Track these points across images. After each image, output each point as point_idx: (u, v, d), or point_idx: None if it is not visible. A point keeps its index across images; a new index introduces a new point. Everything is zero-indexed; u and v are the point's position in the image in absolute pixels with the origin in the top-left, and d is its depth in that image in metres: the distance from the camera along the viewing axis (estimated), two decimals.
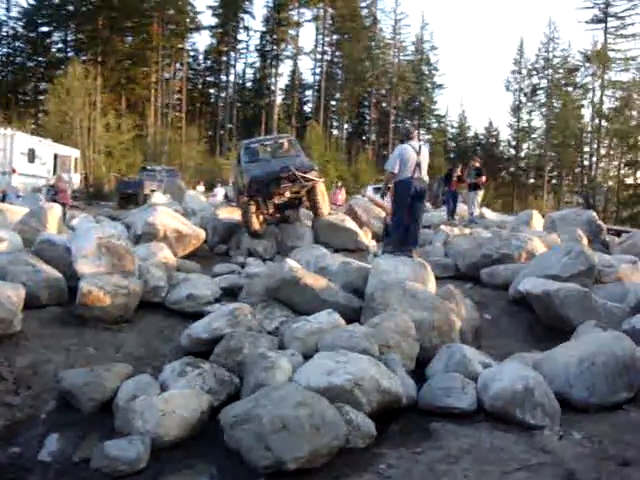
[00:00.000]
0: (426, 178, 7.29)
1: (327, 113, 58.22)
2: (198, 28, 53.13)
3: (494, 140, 57.96)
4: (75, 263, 6.62)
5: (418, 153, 7.17)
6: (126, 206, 19.50)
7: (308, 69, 62.16)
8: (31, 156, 21.79)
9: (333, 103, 59.41)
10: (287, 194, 10.11)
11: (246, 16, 53.91)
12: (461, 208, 15.03)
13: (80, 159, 28.71)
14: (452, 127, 62.24)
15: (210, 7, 52.21)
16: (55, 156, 24.31)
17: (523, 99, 55.01)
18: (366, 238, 10.93)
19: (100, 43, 46.39)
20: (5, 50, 50.22)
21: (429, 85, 60.18)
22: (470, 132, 60.51)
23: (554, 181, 53.46)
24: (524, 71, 55.07)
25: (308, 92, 61.31)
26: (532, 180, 56.22)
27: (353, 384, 4.26)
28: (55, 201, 13.62)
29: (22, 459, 3.90)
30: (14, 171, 20.10)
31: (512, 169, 55.07)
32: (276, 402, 3.80)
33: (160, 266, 7.30)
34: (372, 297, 6.10)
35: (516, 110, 54.64)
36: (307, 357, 4.93)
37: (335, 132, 60.52)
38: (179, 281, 7.26)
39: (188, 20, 50.95)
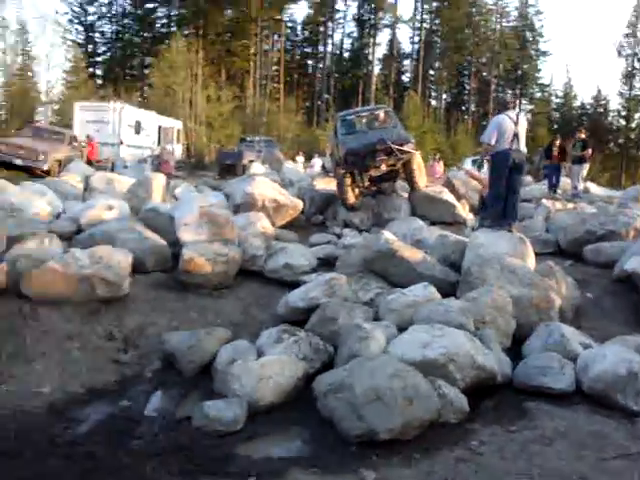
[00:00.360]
0: (524, 149, 6.95)
1: (425, 83, 56.78)
2: None
3: (602, 110, 54.18)
4: (178, 231, 6.92)
5: (516, 123, 6.84)
6: (226, 176, 20.05)
7: (407, 38, 60.75)
8: (137, 128, 22.86)
9: (432, 73, 57.81)
10: (383, 167, 9.90)
11: None
12: (564, 182, 14.23)
13: (182, 130, 29.86)
14: (557, 97, 58.81)
15: None
16: (159, 128, 25.37)
17: (637, 65, 50.97)
18: (464, 211, 10.61)
19: (201, 17, 47.57)
20: (114, 27, 52.75)
21: (533, 52, 57.05)
22: (576, 101, 56.92)
23: None
24: (639, 34, 50.94)
25: (406, 62, 60.00)
26: None
27: (447, 358, 4.20)
28: (159, 171, 14.32)
29: (131, 412, 4.18)
30: (122, 142, 21.19)
31: (621, 140, 51.43)
32: (370, 373, 3.81)
33: (258, 235, 7.46)
34: (469, 271, 5.94)
35: (628, 77, 50.77)
36: (402, 329, 4.90)
37: (433, 102, 59.02)
38: (277, 250, 7.38)
39: None
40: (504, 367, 4.67)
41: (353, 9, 56.23)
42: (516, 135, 6.85)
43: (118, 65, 50.39)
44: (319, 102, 56.48)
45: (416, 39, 55.90)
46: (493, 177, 7.01)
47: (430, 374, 4.13)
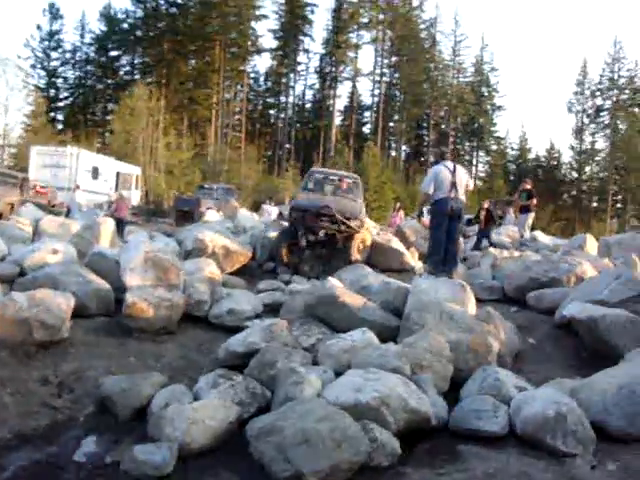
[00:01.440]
0: (463, 198, 7.28)
1: (385, 134, 58.47)
2: (259, 51, 54.68)
3: (555, 162, 56.68)
4: (123, 275, 6.90)
5: (453, 173, 7.19)
6: (183, 223, 20.06)
7: (367, 90, 62.87)
8: (94, 173, 22.84)
9: (392, 124, 59.61)
10: (321, 233, 10.08)
11: (306, 39, 55.11)
12: (512, 230, 14.73)
13: (141, 177, 29.83)
14: (512, 149, 61.33)
15: (271, 30, 53.61)
16: (117, 174, 25.38)
17: (586, 120, 53.79)
18: (413, 259, 10.90)
19: (165, 66, 48.38)
20: (77, 73, 53.09)
21: (489, 107, 59.69)
22: (531, 154, 59.41)
23: (619, 205, 51.67)
24: (587, 92, 53.92)
25: (367, 113, 61.86)
26: (595, 204, 54.53)
27: (380, 402, 4.26)
28: (113, 216, 14.26)
29: (59, 458, 4.08)
30: (78, 187, 21.09)
31: (574, 192, 53.63)
32: (300, 416, 3.85)
33: (205, 281, 7.50)
34: (409, 317, 6.08)
35: (579, 132, 53.44)
36: (339, 374, 4.95)
37: (393, 153, 60.63)
38: (222, 296, 7.43)
39: (249, 43, 52.39)
40: (440, 411, 4.75)
41: (315, 62, 58.16)
42: (453, 184, 7.19)
43: (80, 111, 50.55)
44: (280, 152, 57.51)
45: (376, 92, 57.81)
46: (432, 225, 7.30)
47: (363, 417, 4.18)
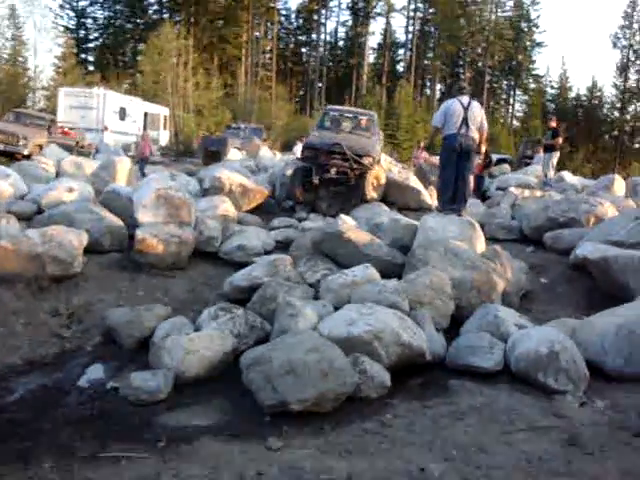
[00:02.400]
0: (474, 135, 7.04)
1: (420, 72, 56.76)
2: None
3: (597, 101, 54.31)
4: (136, 212, 7.00)
5: (466, 109, 6.94)
6: (210, 162, 20.12)
7: (401, 27, 60.60)
8: (122, 114, 22.88)
9: (426, 62, 57.78)
10: (332, 170, 9.90)
11: None
12: (537, 169, 14.35)
13: (171, 117, 29.86)
14: (552, 87, 58.90)
15: None
16: (145, 114, 25.37)
17: (632, 57, 51.02)
18: (430, 198, 10.76)
19: (193, 4, 47.38)
20: (107, 13, 52.51)
21: (528, 43, 57.06)
22: (571, 93, 57.01)
23: None
24: (635, 25, 50.94)
25: (401, 51, 59.98)
26: (638, 145, 52.48)
27: (372, 335, 4.32)
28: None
29: (64, 383, 4.29)
30: (106, 128, 21.20)
31: (615, 133, 51.57)
32: (290, 346, 3.94)
33: (217, 218, 7.57)
34: (413, 254, 6.07)
35: (623, 69, 50.90)
36: (339, 309, 5.03)
37: (428, 92, 59.05)
38: (234, 233, 7.51)
39: None
40: (437, 347, 4.80)
41: None
42: (465, 120, 6.95)
43: (109, 52, 50.18)
44: (311, 91, 56.45)
45: (410, 28, 55.84)
46: (441, 162, 7.15)
47: (355, 350, 4.27)
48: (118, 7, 51.96)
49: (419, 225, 6.78)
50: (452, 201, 6.98)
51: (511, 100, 60.63)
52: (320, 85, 56.15)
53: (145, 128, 25.05)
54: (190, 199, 7.26)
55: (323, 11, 56.41)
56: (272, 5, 51.60)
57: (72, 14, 51.41)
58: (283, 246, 7.64)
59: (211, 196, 9.01)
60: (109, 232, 6.88)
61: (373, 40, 56.79)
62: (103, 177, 8.82)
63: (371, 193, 9.93)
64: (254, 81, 50.09)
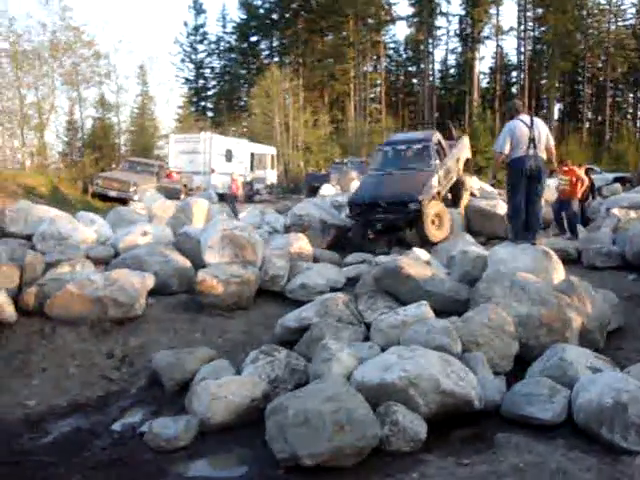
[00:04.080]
0: (543, 155, 6.47)
1: (534, 93, 54.45)
2: (394, 20, 53.34)
3: None
4: (203, 253, 7.12)
5: (530, 127, 6.40)
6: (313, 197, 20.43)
7: (513, 49, 58.58)
8: (228, 156, 23.92)
9: (542, 82, 55.42)
10: (378, 225, 9.52)
11: (442, 2, 52.75)
12: None
13: (280, 156, 30.85)
14: None
15: None
16: (252, 155, 26.36)
17: None
18: None
19: (300, 45, 49.13)
20: (222, 62, 55.89)
21: None
22: None
23: None
24: None
25: (514, 73, 58.09)
26: None
27: (407, 382, 3.95)
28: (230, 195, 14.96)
29: (99, 426, 4.33)
30: (213, 171, 22.23)
31: None
32: (308, 395, 3.70)
33: (285, 256, 7.48)
34: (477, 289, 5.60)
35: None
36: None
37: (544, 112, 56.46)
38: (301, 270, 7.40)
39: (383, 13, 51.38)
40: (492, 393, 4.32)
41: (455, 24, 55.52)
42: (532, 140, 6.42)
43: (226, 97, 53.12)
44: (424, 120, 55.97)
45: (522, 49, 53.94)
46: (510, 188, 6.59)
47: (390, 399, 3.92)
48: (233, 55, 55.11)
49: (488, 257, 6.28)
50: (525, 229, 6.40)
51: (638, 114, 56.27)
52: (435, 114, 55.56)
53: (252, 168, 26.05)
54: (256, 238, 7.27)
55: (430, 40, 56.06)
56: (378, 39, 52.11)
57: (192, 66, 55.20)
58: (355, 283, 7.41)
59: (288, 233, 9.04)
60: (177, 274, 7.04)
61: (485, 64, 55.35)
62: (181, 219, 9.13)
63: (434, 233, 9.28)
64: (363, 115, 50.61)
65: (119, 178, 17.76)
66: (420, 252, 7.63)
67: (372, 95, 56.23)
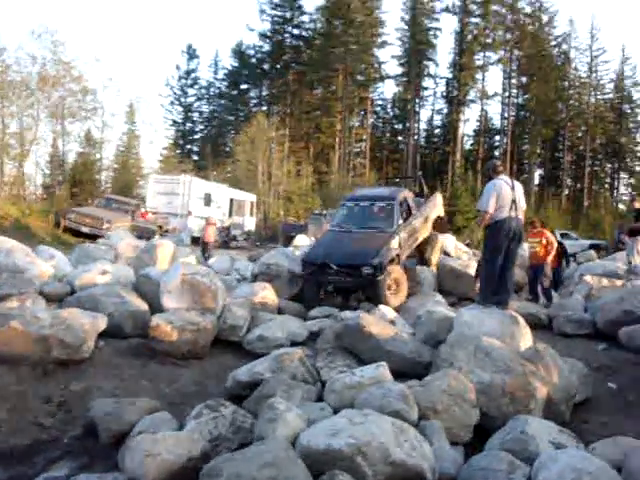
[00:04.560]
0: (522, 217, 6.43)
1: (516, 158, 55.74)
2: (382, 78, 54.70)
3: None
4: (161, 297, 6.87)
5: (512, 188, 6.38)
6: (289, 246, 20.25)
7: (497, 113, 60.31)
8: (207, 200, 23.81)
9: (525, 148, 56.85)
10: (329, 287, 9.20)
11: (430, 64, 54.39)
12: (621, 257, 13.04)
13: (260, 203, 30.81)
14: None
15: (395, 57, 53.54)
16: (231, 200, 26.29)
17: None
18: None
19: (289, 96, 50.03)
20: (211, 107, 56.60)
21: (631, 125, 54.83)
22: None
23: None
24: None
25: (498, 137, 59.56)
26: None
27: (355, 450, 3.68)
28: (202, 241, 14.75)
29: None
30: (190, 213, 22.06)
31: None
32: (245, 458, 3.41)
33: (245, 306, 7.24)
34: (439, 352, 5.39)
35: None
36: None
37: (525, 176, 57.64)
38: (263, 321, 7.15)
39: (373, 71, 52.72)
40: (447, 465, 4.06)
41: (442, 86, 57.10)
42: (514, 202, 6.38)
43: (212, 142, 53.49)
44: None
45: (506, 114, 55.48)
46: (490, 249, 6.47)
47: (336, 467, 3.64)
48: (222, 101, 55.85)
49: (454, 319, 6.10)
50: (494, 292, 6.26)
51: (615, 183, 57.73)
52: (419, 173, 56.36)
53: (230, 214, 25.93)
54: (217, 285, 7.04)
55: (417, 100, 57.46)
56: (365, 95, 53.27)
57: (180, 109, 55.74)
58: (317, 337, 7.16)
59: (260, 282, 8.84)
60: (132, 317, 6.75)
61: (469, 127, 56.73)
62: (144, 260, 8.88)
63: (391, 300, 8.76)
64: (347, 169, 51.19)
65: (92, 214, 17.50)
66: (386, 310, 7.44)
67: (357, 149, 57.11)
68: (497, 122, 58.19)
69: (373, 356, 5.60)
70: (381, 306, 7.58)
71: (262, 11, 51.76)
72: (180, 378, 5.79)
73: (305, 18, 52.72)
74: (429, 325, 6.34)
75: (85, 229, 16.98)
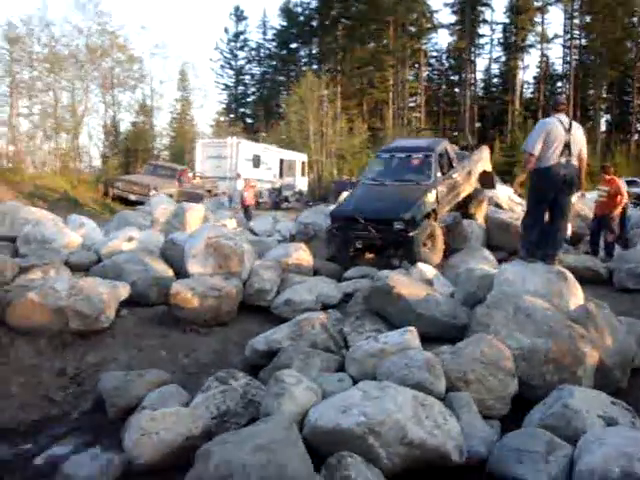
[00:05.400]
0: (576, 163, 5.67)
1: (580, 104, 52.60)
2: (435, 27, 52.39)
3: None
4: (186, 263, 6.60)
5: (568, 131, 5.59)
6: None
7: (558, 57, 56.91)
8: (256, 162, 23.50)
9: (589, 93, 53.52)
10: (357, 244, 8.41)
11: (486, 9, 51.58)
12: None
13: (313, 163, 30.35)
14: None
15: (447, 4, 51.04)
16: (281, 161, 25.91)
17: None
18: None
19: (339, 52, 48.74)
20: (262, 69, 55.98)
21: None
22: None
23: None
24: None
25: (560, 83, 56.35)
26: None
27: (366, 429, 3.27)
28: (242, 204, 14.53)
29: (21, 458, 3.78)
30: (239, 176, 21.84)
31: None
32: (238, 441, 3.06)
33: (273, 268, 6.87)
34: (475, 314, 4.87)
35: None
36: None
37: (590, 123, 54.48)
38: (293, 284, 6.78)
39: (424, 20, 50.52)
40: (478, 444, 3.61)
41: (499, 33, 54.20)
42: (567, 145, 5.61)
43: (264, 104, 53.04)
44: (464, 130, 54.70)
45: (569, 58, 52.24)
46: (533, 197, 5.77)
47: (347, 447, 3.25)
48: (272, 62, 55.10)
49: (495, 277, 5.52)
50: (537, 245, 5.61)
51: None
52: (477, 125, 54.34)
53: (281, 175, 25.61)
54: (243, 247, 6.69)
55: (473, 49, 54.87)
56: (418, 47, 51.24)
57: (231, 72, 55.41)
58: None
59: (297, 242, 8.47)
60: (156, 284, 6.51)
61: (529, 74, 53.88)
62: (175, 225, 8.63)
63: (425, 257, 7.99)
64: (402, 123, 49.73)
65: (139, 181, 17.54)
66: (426, 268, 6.91)
67: (412, 104, 55.34)
68: (559, 67, 54.98)
69: (403, 319, 5.13)
70: (420, 264, 7.03)
71: None
72: (200, 347, 5.52)
73: None
74: (468, 284, 5.79)
75: (132, 197, 17.05)
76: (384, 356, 4.28)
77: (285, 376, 3.83)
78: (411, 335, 4.48)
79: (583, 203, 12.26)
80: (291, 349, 4.57)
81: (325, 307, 6.44)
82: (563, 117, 5.78)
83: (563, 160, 5.61)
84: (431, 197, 8.68)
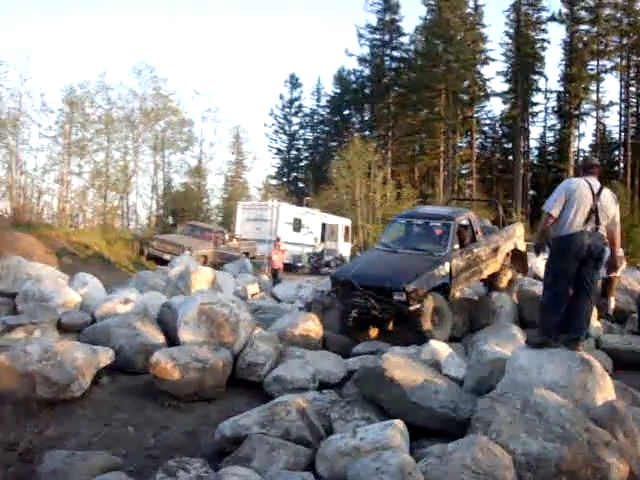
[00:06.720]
0: (604, 233, 4.96)
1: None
2: (488, 95, 52.34)
3: None
4: (178, 329, 6.18)
5: (597, 196, 4.92)
6: None
7: (615, 126, 55.54)
8: (297, 225, 23.32)
9: None
10: (353, 312, 7.67)
11: (540, 78, 51.34)
12: None
13: (359, 228, 30.00)
14: None
15: (500, 73, 51.07)
16: (323, 225, 25.67)
17: None
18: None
19: (391, 119, 49.21)
20: (315, 134, 57.05)
21: None
22: None
23: None
24: None
25: (617, 151, 54.93)
26: None
27: None
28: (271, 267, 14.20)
29: None
30: (278, 240, 21.65)
31: None
32: None
33: (271, 339, 6.34)
34: (477, 407, 4.17)
35: None
36: None
37: None
38: (292, 358, 6.22)
39: (477, 88, 50.60)
40: None
41: (553, 101, 53.68)
42: (594, 211, 4.92)
43: (315, 168, 53.66)
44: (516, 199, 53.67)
45: (625, 126, 51.00)
46: (552, 269, 5.05)
47: None
48: (325, 128, 56.13)
49: (507, 364, 4.82)
50: (559, 327, 4.88)
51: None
52: (531, 192, 53.32)
53: (323, 239, 25.33)
54: (239, 316, 6.21)
55: (527, 117, 54.39)
56: (470, 114, 51.15)
57: (285, 137, 56.66)
58: None
59: (297, 312, 7.97)
60: (143, 351, 6.09)
61: (585, 142, 52.65)
62: (180, 288, 8.27)
63: (434, 334, 7.29)
64: (452, 190, 49.18)
65: (174, 241, 17.54)
66: (438, 346, 6.22)
67: (465, 170, 54.90)
68: (615, 135, 53.70)
69: (397, 408, 4.48)
70: (432, 342, 6.36)
71: (360, 35, 51.39)
72: (173, 425, 4.99)
73: (404, 39, 51.66)
74: (480, 368, 5.11)
75: (167, 256, 16.97)
76: (358, 455, 3.64)
77: (229, 475, 3.24)
78: (393, 431, 3.83)
79: (634, 277, 11.34)
80: (255, 439, 3.98)
81: (324, 386, 5.84)
82: (594, 180, 5.10)
83: (589, 228, 4.92)
84: (443, 270, 7.94)
